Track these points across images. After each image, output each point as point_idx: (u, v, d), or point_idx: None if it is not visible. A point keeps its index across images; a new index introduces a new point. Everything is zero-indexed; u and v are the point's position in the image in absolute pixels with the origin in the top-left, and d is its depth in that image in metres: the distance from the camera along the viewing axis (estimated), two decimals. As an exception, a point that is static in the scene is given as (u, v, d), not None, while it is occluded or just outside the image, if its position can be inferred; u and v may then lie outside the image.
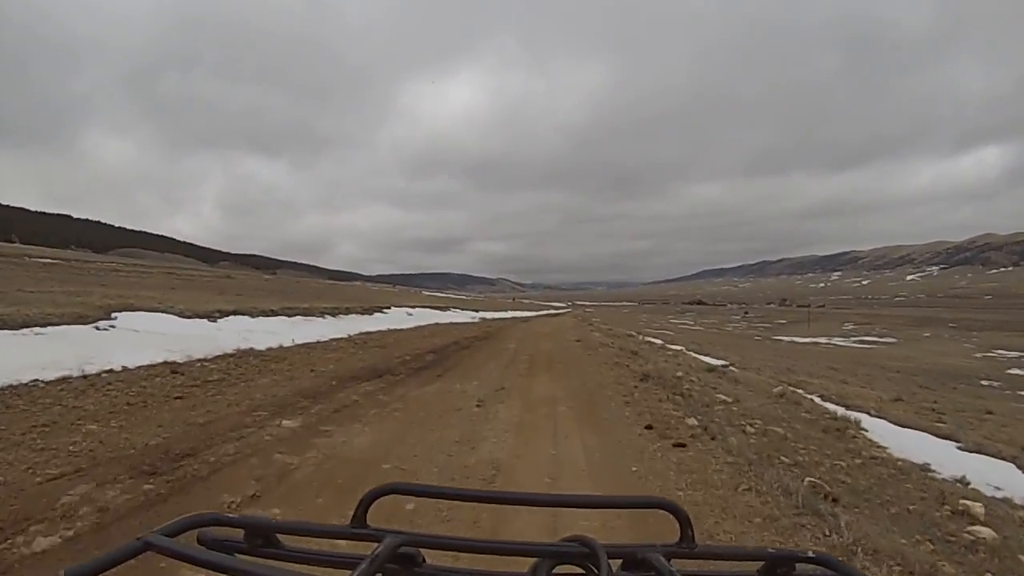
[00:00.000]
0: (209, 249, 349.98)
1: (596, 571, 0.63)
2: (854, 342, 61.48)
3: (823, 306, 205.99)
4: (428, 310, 32.28)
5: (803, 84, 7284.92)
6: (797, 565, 0.71)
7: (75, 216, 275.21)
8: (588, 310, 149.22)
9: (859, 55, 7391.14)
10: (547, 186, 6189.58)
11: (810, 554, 0.72)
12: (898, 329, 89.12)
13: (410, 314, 27.14)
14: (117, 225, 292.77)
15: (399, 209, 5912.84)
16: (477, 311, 44.67)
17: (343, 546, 0.73)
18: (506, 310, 67.18)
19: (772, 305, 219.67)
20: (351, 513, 0.73)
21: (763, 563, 0.73)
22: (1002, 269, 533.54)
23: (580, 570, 0.68)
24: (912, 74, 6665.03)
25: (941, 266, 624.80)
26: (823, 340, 61.81)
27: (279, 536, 0.72)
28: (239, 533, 0.71)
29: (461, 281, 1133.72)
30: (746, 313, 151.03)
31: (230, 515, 0.71)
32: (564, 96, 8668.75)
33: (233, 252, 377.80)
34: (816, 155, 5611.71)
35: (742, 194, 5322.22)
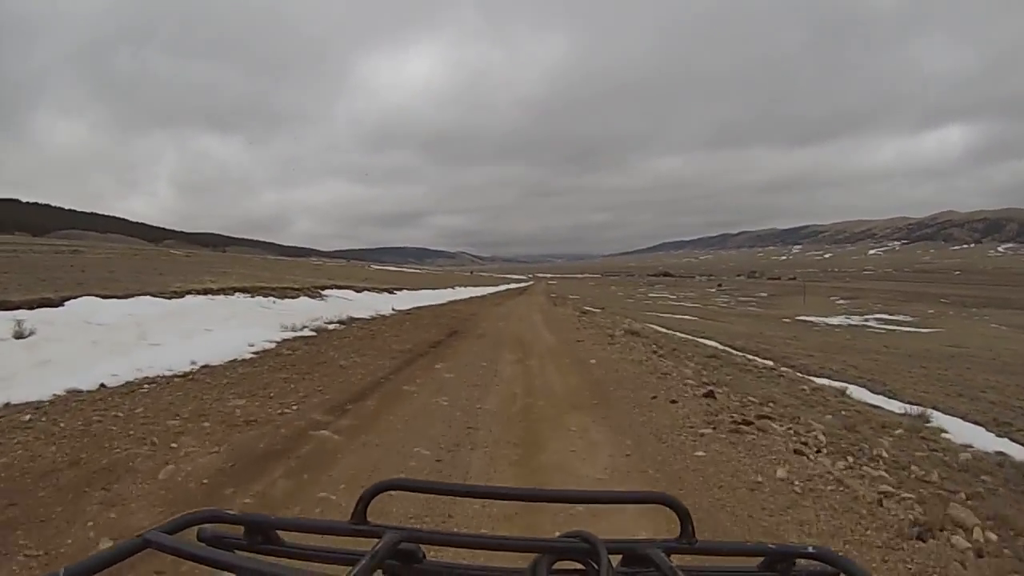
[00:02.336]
0: (156, 228, 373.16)
1: (596, 567, 0.63)
2: (879, 324, 50.41)
3: (794, 278, 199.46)
4: (255, 302, 14.90)
5: (768, 59, 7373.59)
6: (797, 560, 0.71)
7: (24, 200, 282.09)
8: (551, 283, 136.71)
9: (826, 31, 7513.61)
10: (506, 159, 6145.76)
11: (810, 549, 0.71)
12: (896, 305, 79.65)
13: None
14: (68, 208, 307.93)
15: (357, 184, 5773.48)
16: (393, 291, 26.70)
17: (343, 542, 0.71)
18: (453, 286, 53.49)
19: (741, 277, 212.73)
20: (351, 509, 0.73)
21: (763, 558, 0.72)
22: (964, 246, 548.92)
23: (580, 566, 0.67)
24: (879, 52, 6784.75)
25: (903, 241, 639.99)
26: (848, 321, 50.50)
27: (279, 533, 0.72)
28: (239, 530, 0.70)
29: (420, 255, 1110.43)
30: (720, 286, 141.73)
31: (230, 512, 0.71)
32: (525, 68, 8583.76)
33: (186, 231, 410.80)
34: (778, 130, 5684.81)
35: (703, 167, 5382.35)
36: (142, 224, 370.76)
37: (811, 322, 44.83)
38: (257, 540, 0.69)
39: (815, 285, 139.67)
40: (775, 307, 66.71)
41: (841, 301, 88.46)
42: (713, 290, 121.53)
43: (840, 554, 0.70)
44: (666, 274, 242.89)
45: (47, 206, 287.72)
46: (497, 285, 78.75)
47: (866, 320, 53.23)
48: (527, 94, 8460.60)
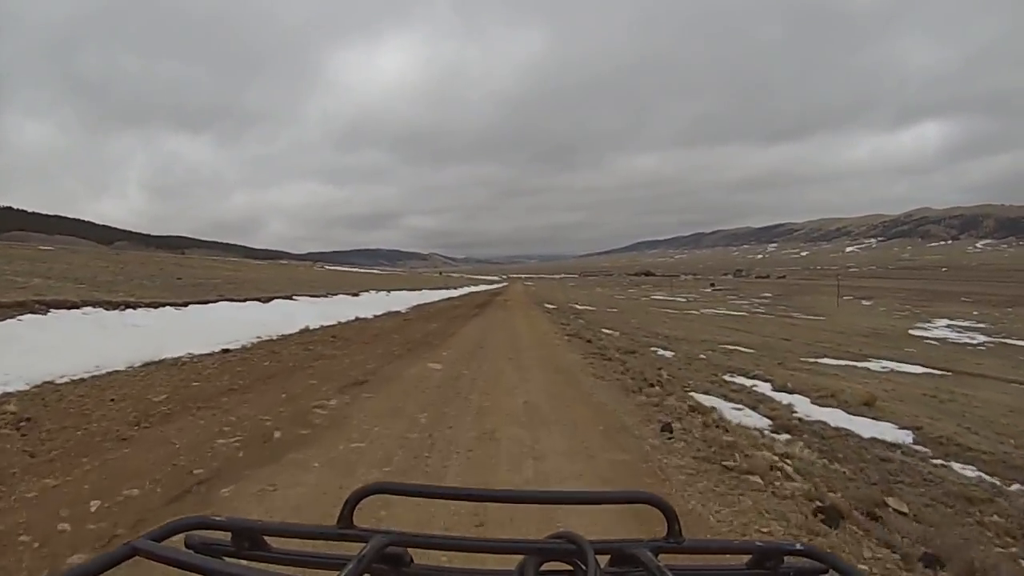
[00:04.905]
0: (117, 230, 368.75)
1: (583, 567, 0.63)
2: (978, 335, 36.89)
3: (784, 276, 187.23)
4: None
5: (745, 55, 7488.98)
6: (785, 558, 0.71)
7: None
8: (528, 284, 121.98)
9: (805, 27, 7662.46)
10: (479, 159, 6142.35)
11: (798, 546, 0.72)
12: (929, 306, 67.16)
13: None
14: (29, 211, 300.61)
15: (329, 185, 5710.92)
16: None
17: (330, 547, 0.72)
18: (390, 290, 38.38)
19: (728, 276, 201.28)
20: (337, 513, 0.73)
21: (751, 556, 0.72)
22: (942, 242, 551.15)
23: (568, 567, 0.67)
24: (857, 49, 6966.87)
25: (879, 239, 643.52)
26: (967, 339, 36.78)
27: (266, 538, 0.72)
28: (226, 536, 0.71)
29: (393, 257, 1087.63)
30: (713, 285, 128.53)
31: (217, 518, 0.71)
32: (498, 64, 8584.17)
33: (151, 234, 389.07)
34: (754, 126, 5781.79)
35: (677, 165, 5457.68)
36: (102, 226, 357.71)
37: (933, 339, 31.01)
38: (244, 546, 0.70)
39: (811, 284, 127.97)
40: (819, 312, 52.64)
41: (865, 303, 76.36)
42: (708, 290, 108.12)
43: (828, 551, 0.70)
44: (648, 273, 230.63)
45: (8, 208, 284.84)
46: (459, 288, 63.11)
47: (958, 332, 39.95)
48: (500, 90, 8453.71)
